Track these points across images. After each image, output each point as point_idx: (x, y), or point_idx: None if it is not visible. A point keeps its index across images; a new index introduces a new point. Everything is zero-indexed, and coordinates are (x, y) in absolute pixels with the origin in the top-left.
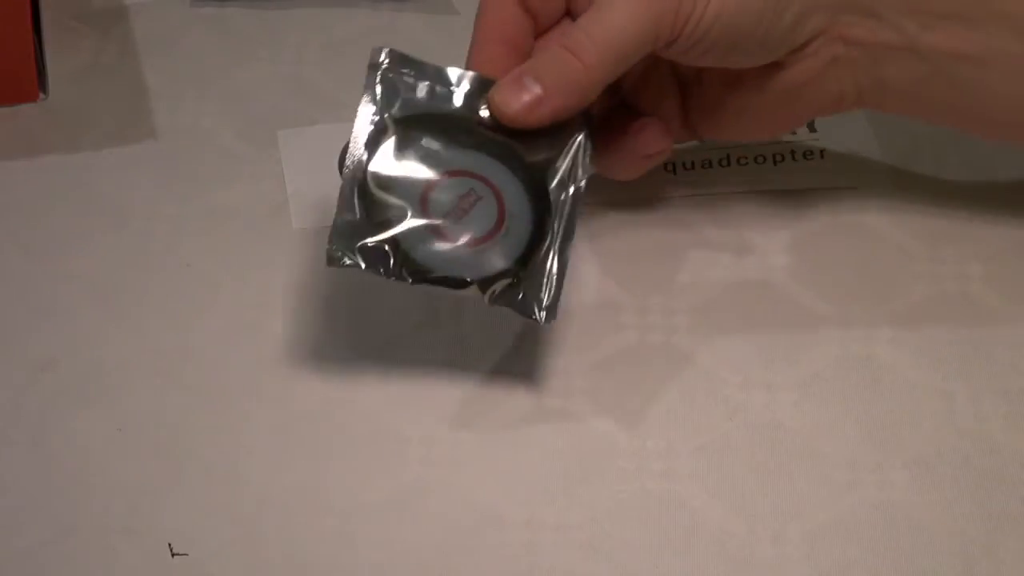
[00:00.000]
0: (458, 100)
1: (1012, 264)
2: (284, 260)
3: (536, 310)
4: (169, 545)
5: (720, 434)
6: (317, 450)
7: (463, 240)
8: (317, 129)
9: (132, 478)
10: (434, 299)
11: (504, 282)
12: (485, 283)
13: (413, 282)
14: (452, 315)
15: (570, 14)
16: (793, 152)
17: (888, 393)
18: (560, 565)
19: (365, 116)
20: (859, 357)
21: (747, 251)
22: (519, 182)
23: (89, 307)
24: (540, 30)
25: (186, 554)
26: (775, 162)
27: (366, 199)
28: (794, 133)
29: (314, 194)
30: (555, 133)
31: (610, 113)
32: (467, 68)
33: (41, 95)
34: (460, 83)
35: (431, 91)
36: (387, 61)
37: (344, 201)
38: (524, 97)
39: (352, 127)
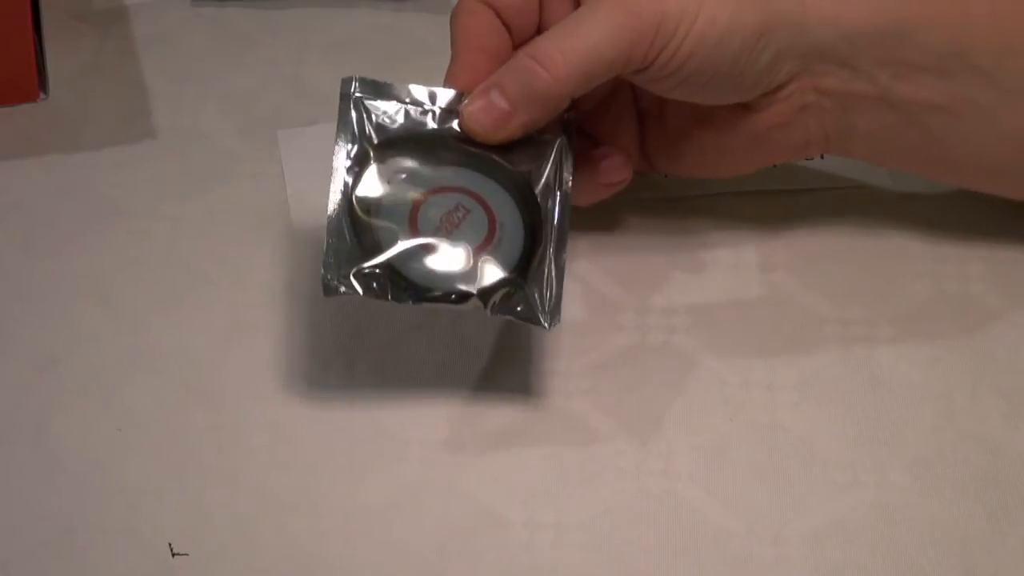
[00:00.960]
0: (434, 118)
1: (1012, 264)
2: (284, 260)
3: (540, 316)
4: (169, 545)
5: (720, 434)
6: (317, 450)
7: (457, 255)
8: (317, 129)
9: (132, 478)
10: None
11: (503, 292)
12: (485, 295)
13: (414, 303)
14: (452, 316)
15: (540, 31)
16: None
17: (888, 393)
18: (560, 565)
19: (343, 146)
20: (859, 357)
21: (747, 251)
22: (505, 192)
23: (89, 307)
24: (516, 43)
25: (186, 554)
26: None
27: (356, 226)
28: None
29: (314, 194)
30: (534, 140)
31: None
32: (447, 76)
33: (41, 95)
34: (434, 100)
35: (406, 113)
36: (358, 89)
37: (333, 230)
38: (492, 114)
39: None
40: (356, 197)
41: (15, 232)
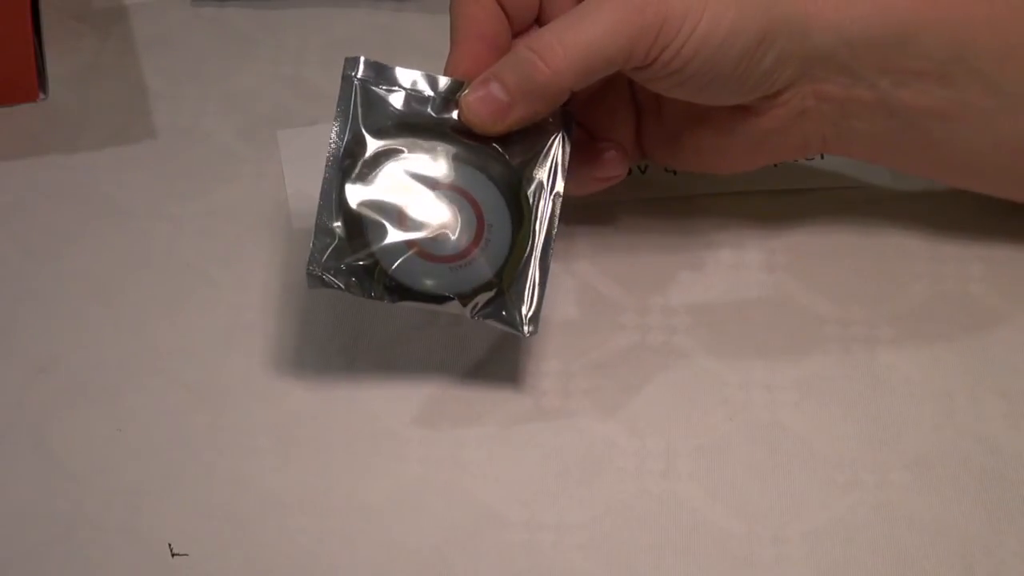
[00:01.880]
0: (433, 106)
1: (1012, 264)
2: (284, 260)
3: (519, 322)
4: (169, 545)
5: (720, 434)
6: (317, 450)
7: (443, 254)
8: (317, 129)
9: (132, 478)
10: None
11: (487, 295)
12: (466, 297)
13: (393, 301)
14: (451, 316)
15: (540, 21)
16: None
17: (888, 393)
18: (560, 565)
19: (340, 134)
20: (859, 357)
21: (747, 251)
22: (497, 192)
23: (89, 307)
24: (516, 31)
25: (186, 554)
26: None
27: (345, 218)
28: None
29: (314, 194)
30: (532, 133)
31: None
32: (448, 64)
33: (41, 95)
34: (435, 88)
35: (406, 99)
36: (361, 71)
37: (322, 221)
38: (491, 105)
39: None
40: (347, 188)
41: (15, 232)
